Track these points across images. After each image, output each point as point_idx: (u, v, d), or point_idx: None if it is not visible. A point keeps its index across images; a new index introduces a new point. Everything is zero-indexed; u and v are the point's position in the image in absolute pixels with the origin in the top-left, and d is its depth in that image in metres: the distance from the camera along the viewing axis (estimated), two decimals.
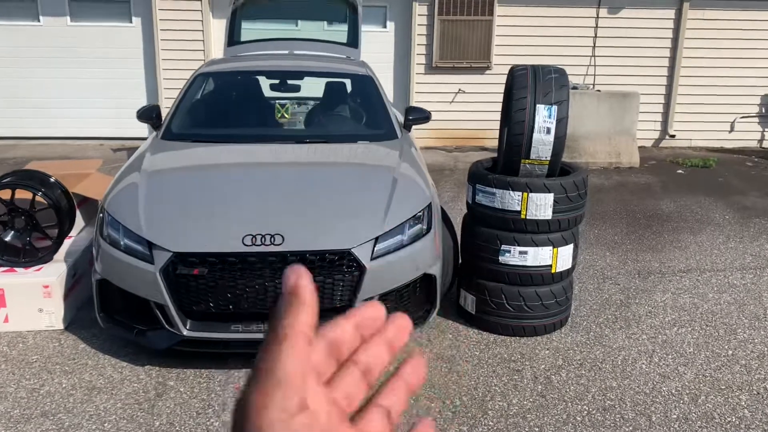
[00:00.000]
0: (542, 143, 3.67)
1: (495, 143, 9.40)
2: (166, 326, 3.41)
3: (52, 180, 4.22)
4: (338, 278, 3.36)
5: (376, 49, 8.95)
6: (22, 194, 4.00)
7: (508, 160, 3.84)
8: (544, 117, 3.62)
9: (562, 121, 3.69)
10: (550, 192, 3.70)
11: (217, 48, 8.98)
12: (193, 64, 8.77)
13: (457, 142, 9.40)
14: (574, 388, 3.43)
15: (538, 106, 3.64)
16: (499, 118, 9.11)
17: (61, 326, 3.95)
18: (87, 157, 8.43)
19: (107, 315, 3.63)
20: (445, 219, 4.10)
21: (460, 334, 3.99)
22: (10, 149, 8.80)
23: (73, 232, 4.53)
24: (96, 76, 9.13)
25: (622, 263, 5.20)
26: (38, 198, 3.99)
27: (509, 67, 8.94)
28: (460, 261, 4.18)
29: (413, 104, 9.03)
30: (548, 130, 3.65)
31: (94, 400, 3.25)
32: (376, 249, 3.44)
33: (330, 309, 3.43)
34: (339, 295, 3.38)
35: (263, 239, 3.34)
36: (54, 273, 3.94)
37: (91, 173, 4.82)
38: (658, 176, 8.22)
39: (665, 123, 9.59)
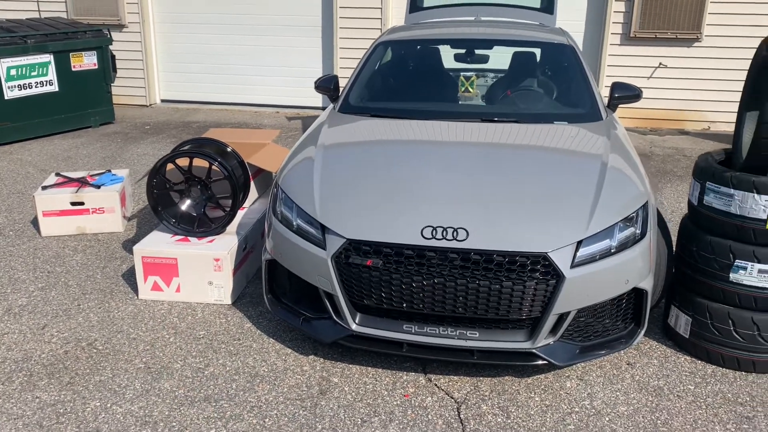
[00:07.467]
0: None
1: (697, 126, 8.23)
2: (334, 317, 3.12)
3: (228, 150, 4.10)
4: (529, 286, 2.84)
5: (563, 16, 8.08)
6: (200, 163, 3.90)
7: (754, 155, 3.05)
8: None
9: None
10: None
11: (394, 15, 8.65)
12: (369, 32, 8.52)
13: (653, 124, 8.33)
14: None
15: None
16: (706, 98, 8.03)
17: (229, 301, 3.84)
18: (263, 124, 8.55)
19: (274, 297, 3.43)
20: (660, 222, 3.41)
21: (668, 360, 3.32)
22: (192, 113, 9.18)
23: (246, 204, 4.42)
24: (274, 43, 9.21)
25: None
26: (214, 168, 3.88)
27: (725, 39, 7.77)
28: (672, 271, 3.48)
29: (605, 79, 8.11)
30: None
31: (256, 389, 3.05)
32: (578, 255, 2.88)
33: (515, 320, 2.94)
34: (529, 306, 2.87)
35: (444, 233, 2.90)
36: (225, 246, 3.82)
37: (266, 144, 4.68)
38: None
39: None
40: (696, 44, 7.97)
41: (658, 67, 8.09)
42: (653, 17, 7.90)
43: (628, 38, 8.10)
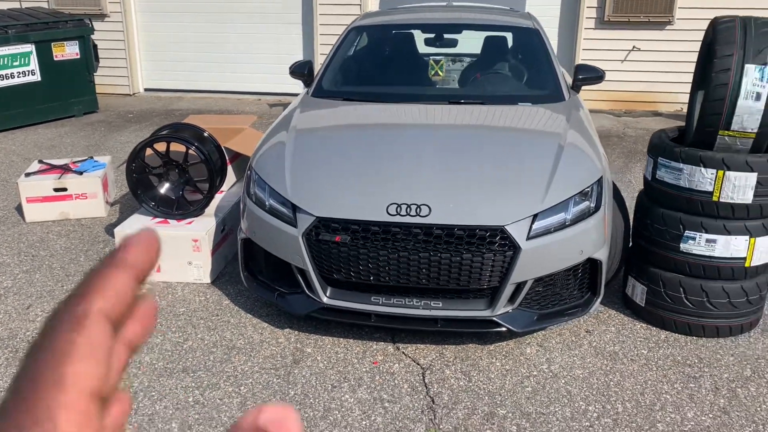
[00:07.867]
0: (748, 111, 3.02)
1: (670, 108, 8.41)
2: (307, 291, 3.28)
3: (205, 134, 4.23)
4: (488, 258, 3.01)
5: (539, 1, 8.25)
6: (177, 147, 4.03)
7: (700, 131, 3.23)
8: (754, 79, 2.97)
9: None
10: (753, 171, 3.06)
11: (373, 2, 8.76)
12: (349, 19, 8.61)
13: (627, 106, 8.52)
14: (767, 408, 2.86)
15: (747, 66, 2.99)
16: (678, 80, 8.23)
17: (208, 280, 3.98)
18: (244, 111, 8.66)
19: (251, 275, 3.58)
20: (617, 196, 3.58)
21: (624, 327, 3.50)
22: (175, 101, 9.27)
23: (224, 187, 4.55)
24: (255, 31, 9.30)
25: None
26: (191, 152, 4.01)
27: (696, 22, 7.95)
28: (630, 245, 3.66)
29: (580, 62, 8.26)
30: (758, 96, 2.99)
31: (232, 360, 3.21)
32: (533, 228, 3.04)
33: (476, 290, 3.11)
34: (488, 276, 3.04)
35: (408, 209, 3.06)
36: (203, 228, 3.97)
37: (244, 129, 4.81)
38: None
39: None
40: (668, 27, 8.14)
41: (632, 50, 8.26)
42: (626, 1, 8.05)
43: (602, 22, 8.26)
